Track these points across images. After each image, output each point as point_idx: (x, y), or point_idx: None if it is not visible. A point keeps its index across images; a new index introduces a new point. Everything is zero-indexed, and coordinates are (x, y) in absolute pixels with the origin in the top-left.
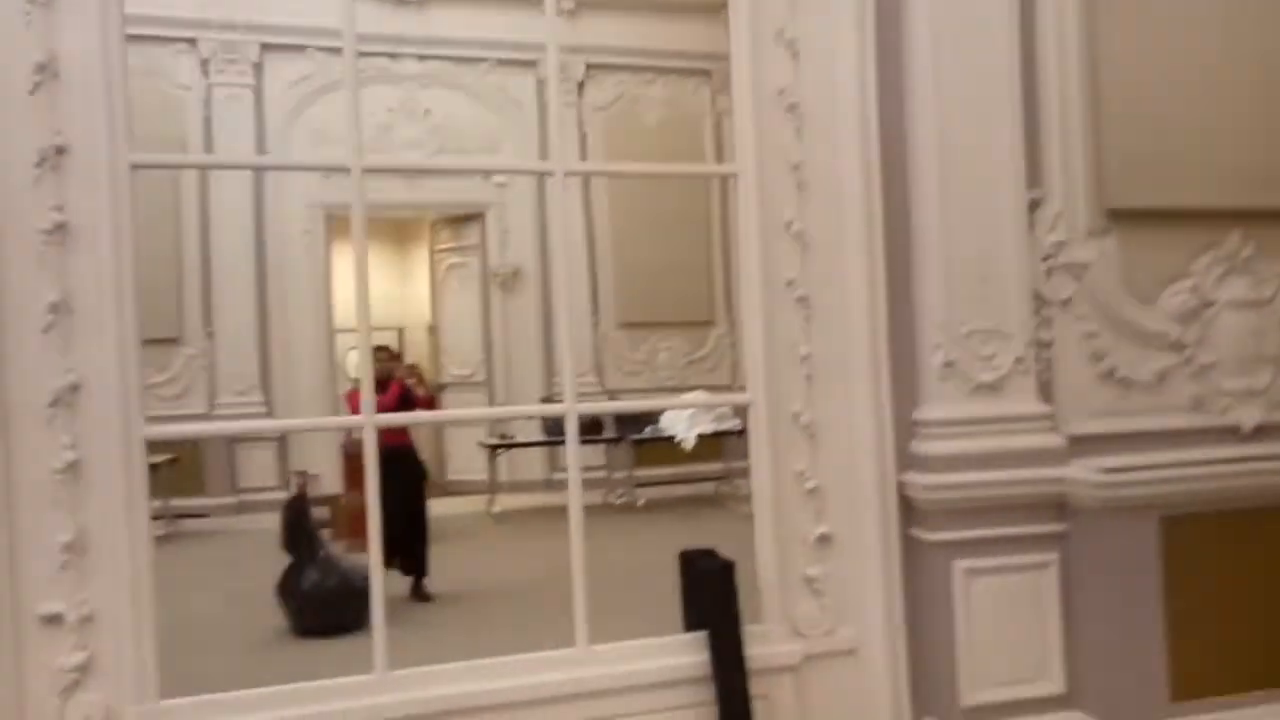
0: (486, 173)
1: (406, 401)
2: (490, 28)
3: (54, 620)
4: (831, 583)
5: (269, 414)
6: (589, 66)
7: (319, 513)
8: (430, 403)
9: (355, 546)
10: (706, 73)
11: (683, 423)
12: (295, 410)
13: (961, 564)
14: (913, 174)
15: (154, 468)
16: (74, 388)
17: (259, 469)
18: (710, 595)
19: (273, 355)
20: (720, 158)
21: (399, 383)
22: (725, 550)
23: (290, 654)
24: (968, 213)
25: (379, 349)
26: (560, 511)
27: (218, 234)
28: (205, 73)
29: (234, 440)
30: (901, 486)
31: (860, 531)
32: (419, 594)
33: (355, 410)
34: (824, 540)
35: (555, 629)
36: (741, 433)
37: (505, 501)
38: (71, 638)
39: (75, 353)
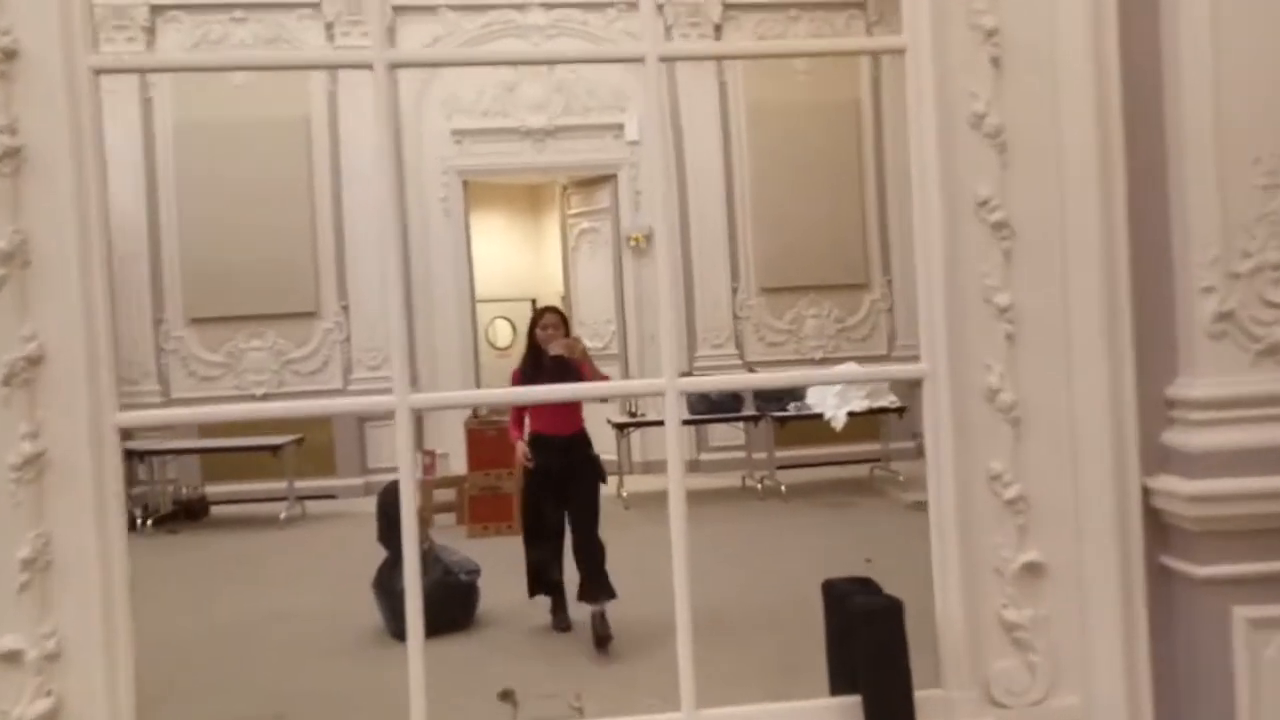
0: (552, 63)
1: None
2: None
3: (11, 659)
4: (1043, 632)
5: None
6: (726, 6)
7: (445, 495)
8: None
9: (479, 531)
10: (860, 4)
11: (832, 399)
12: (436, 384)
13: (1244, 611)
14: (1168, 31)
15: (277, 448)
16: (34, 360)
17: (390, 448)
18: (868, 646)
19: (417, 326)
20: (877, 99)
21: (582, 364)
22: (887, 560)
23: (384, 658)
24: (1259, 87)
25: (547, 310)
26: (701, 497)
27: (351, 204)
28: (330, 38)
29: (363, 418)
30: (1149, 495)
31: (1086, 559)
32: (600, 633)
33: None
34: (1032, 571)
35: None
36: (903, 410)
37: (636, 484)
38: (33, 680)
39: (34, 316)
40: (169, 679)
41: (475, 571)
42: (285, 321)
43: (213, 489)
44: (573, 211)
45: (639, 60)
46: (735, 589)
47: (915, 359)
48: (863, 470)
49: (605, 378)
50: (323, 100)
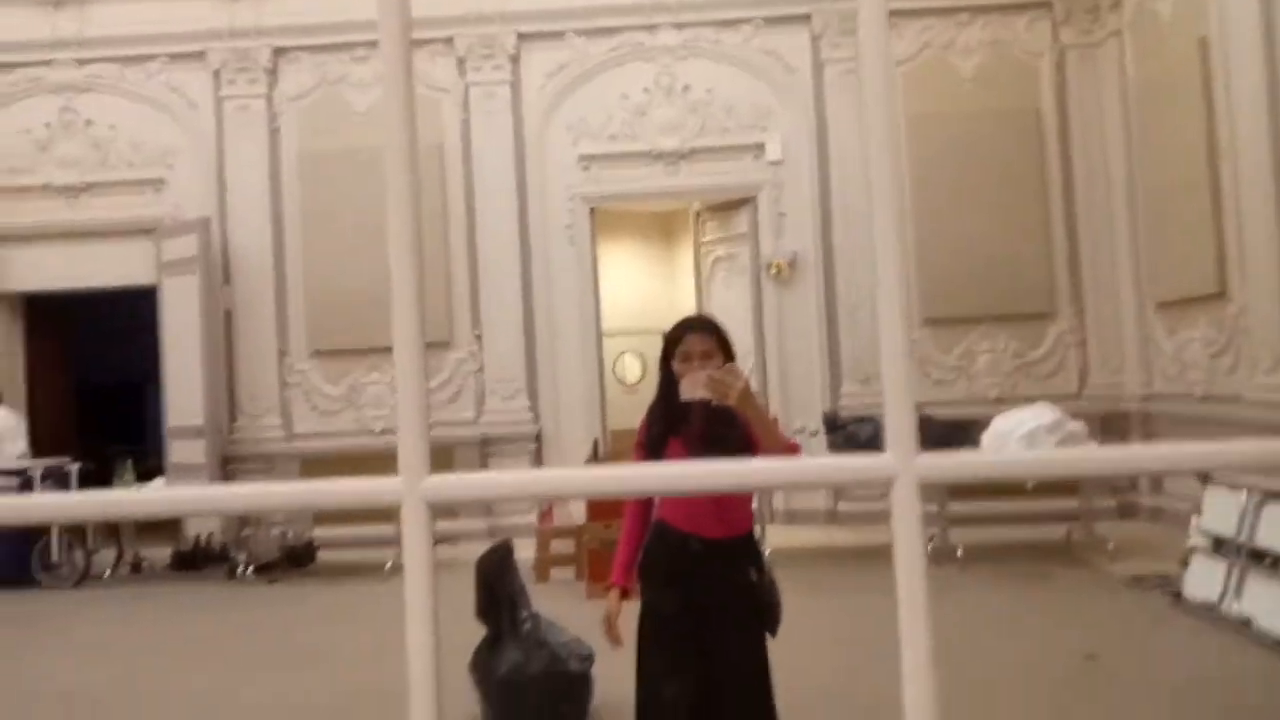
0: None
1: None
2: None
3: None
4: None
5: (535, 420)
6: (890, 14)
7: (562, 545)
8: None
9: (599, 592)
10: (1045, 3)
11: (1018, 442)
12: (561, 416)
13: None
14: None
15: None
16: None
17: None
18: None
19: (538, 359)
20: (1062, 105)
21: (744, 414)
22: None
23: None
24: None
25: (690, 327)
26: (845, 556)
27: (485, 232)
28: (461, 72)
29: (486, 446)
30: None
31: None
32: None
33: (641, 447)
34: None
35: None
36: None
37: (774, 537)
38: None
39: None
40: None
41: (589, 658)
42: None
43: (323, 533)
44: (707, 238)
45: None
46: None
47: (1112, 398)
48: (1056, 531)
49: (781, 439)
50: (455, 128)
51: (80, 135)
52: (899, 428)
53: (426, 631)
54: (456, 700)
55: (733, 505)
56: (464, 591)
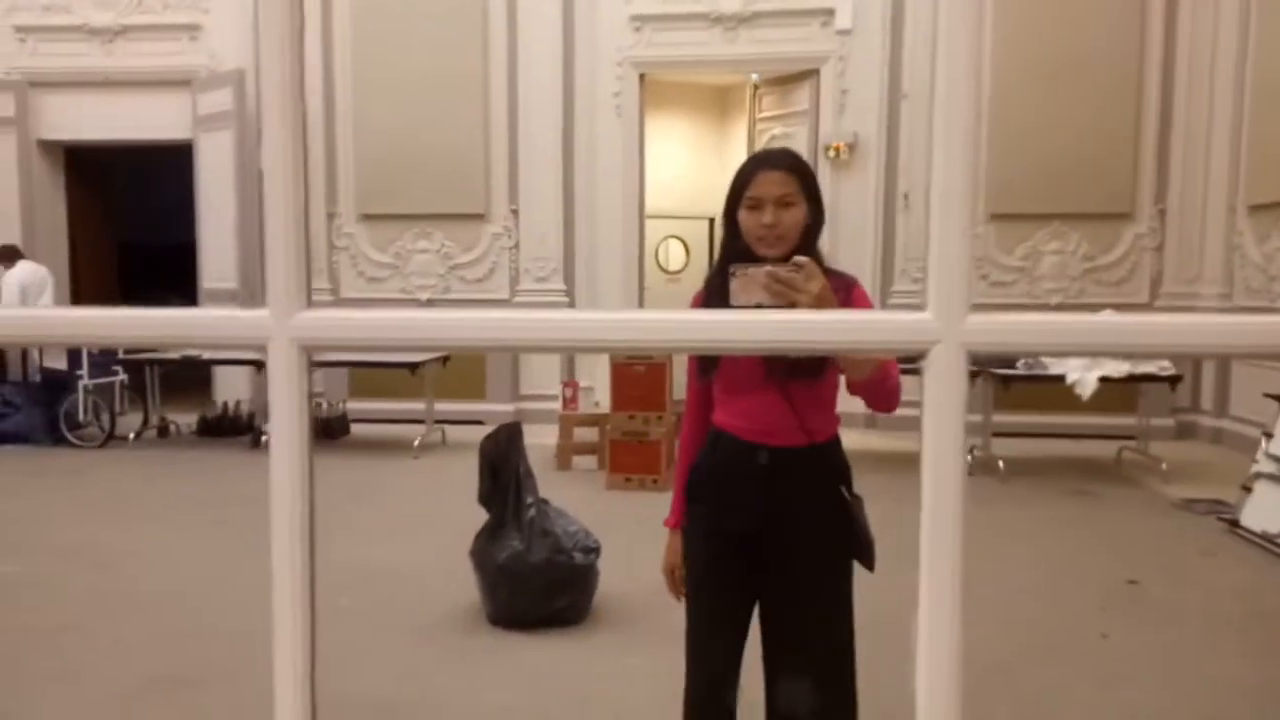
0: None
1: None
2: None
3: None
4: None
5: (570, 304)
6: None
7: (586, 434)
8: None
9: (619, 484)
10: None
11: (1079, 359)
12: (599, 301)
13: None
14: None
15: (415, 367)
16: None
17: (544, 372)
18: None
19: (577, 239)
20: None
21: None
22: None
23: (472, 650)
24: None
25: (767, 163)
26: (878, 463)
27: (527, 99)
28: None
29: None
30: None
31: None
32: None
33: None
34: None
35: None
36: (1177, 380)
37: None
38: None
39: None
40: (204, 657)
41: (594, 550)
42: (454, 223)
43: (357, 405)
44: (764, 114)
45: None
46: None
47: (1185, 309)
48: (1108, 449)
49: (872, 360)
50: None
51: None
52: (947, 279)
53: (296, 497)
54: (459, 587)
55: (812, 403)
56: (474, 478)
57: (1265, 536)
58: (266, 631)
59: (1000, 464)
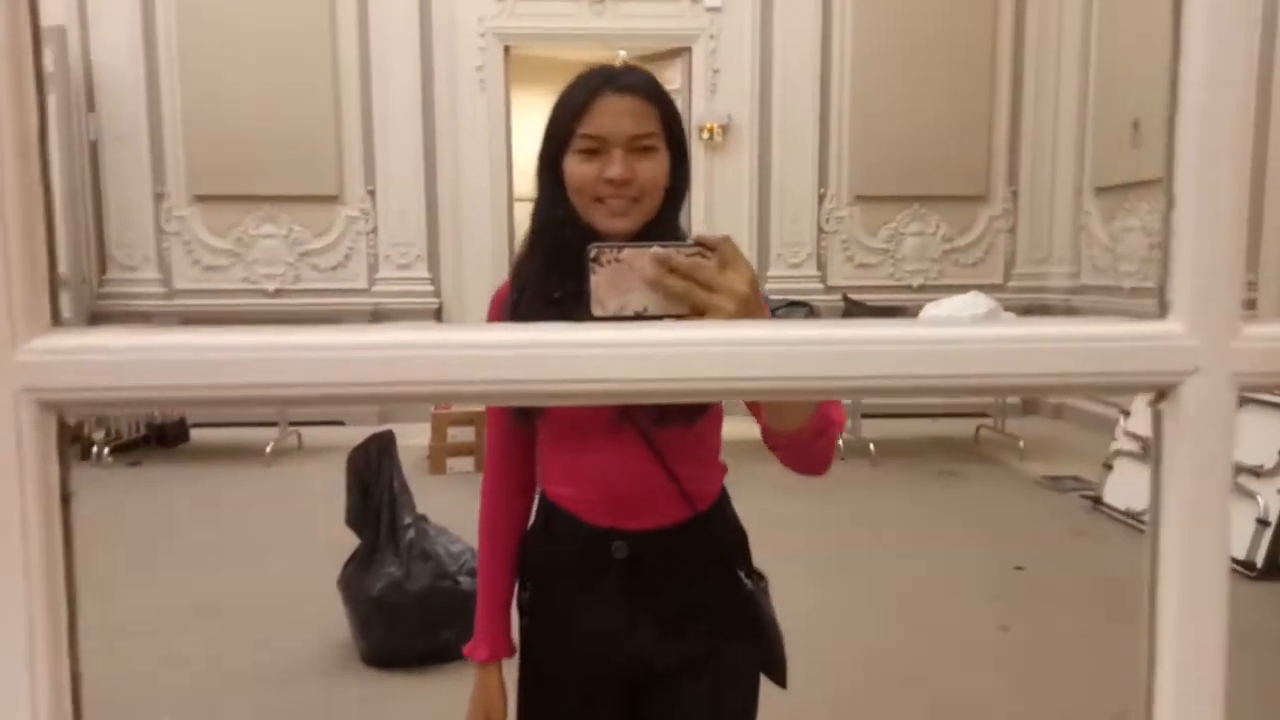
0: None
1: None
2: None
3: None
4: None
5: (435, 294)
6: None
7: (461, 434)
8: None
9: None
10: None
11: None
12: (464, 291)
13: None
14: None
15: None
16: None
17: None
18: None
19: (441, 222)
20: None
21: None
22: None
23: (344, 694)
24: None
25: (612, 76)
26: (741, 451)
27: (380, 69)
28: None
29: (378, 320)
30: None
31: None
32: None
33: (493, 318)
34: None
35: None
36: None
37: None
38: None
39: None
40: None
41: None
42: (303, 205)
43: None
44: None
45: None
46: (828, 598)
47: (1036, 290)
48: (966, 427)
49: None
50: None
51: None
52: (1213, 281)
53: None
54: (326, 622)
55: (688, 453)
56: (338, 489)
57: (1130, 514)
58: None
59: (871, 447)
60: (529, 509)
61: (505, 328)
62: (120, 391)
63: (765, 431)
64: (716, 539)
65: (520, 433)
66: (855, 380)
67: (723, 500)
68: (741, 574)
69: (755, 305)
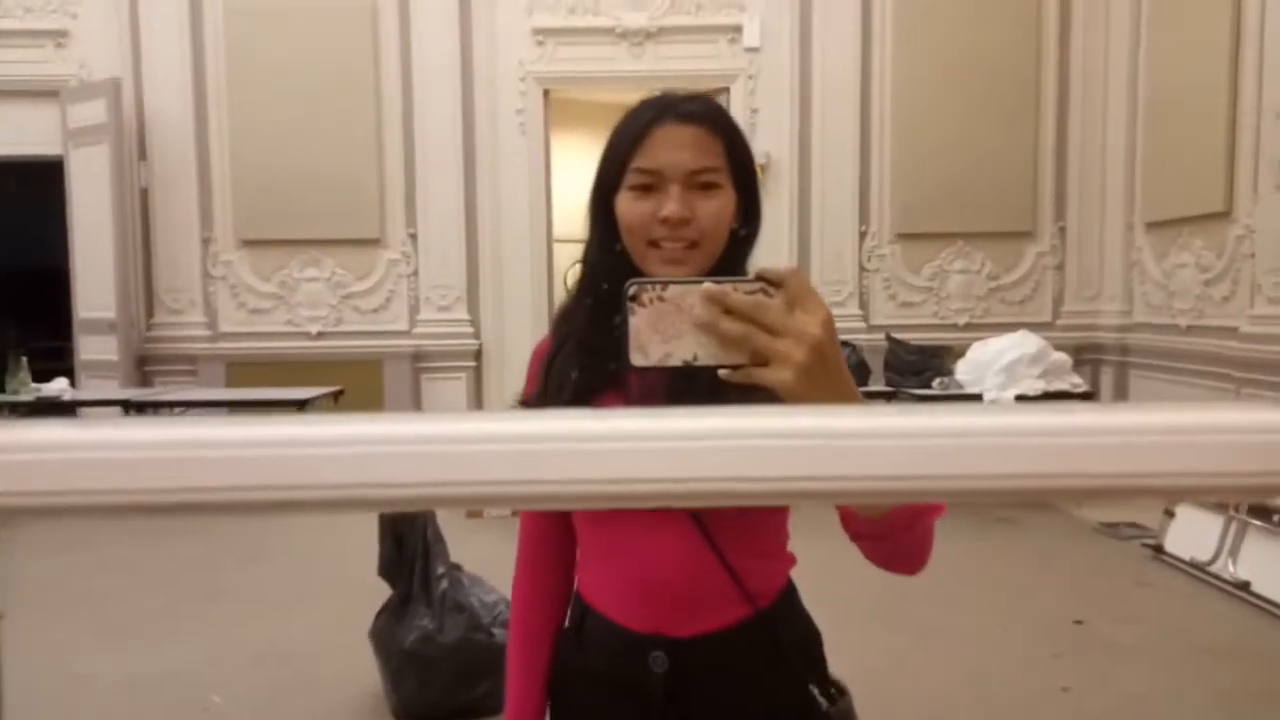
0: None
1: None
2: None
3: None
4: None
5: (475, 335)
6: None
7: None
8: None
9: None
10: None
11: (995, 376)
12: (504, 333)
13: None
14: None
15: (303, 404)
16: None
17: (455, 404)
18: None
19: (481, 265)
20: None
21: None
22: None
23: None
24: None
25: (672, 106)
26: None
27: (423, 113)
28: None
29: (420, 361)
30: None
31: None
32: None
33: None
34: None
35: None
36: (1089, 396)
37: None
38: None
39: None
40: None
41: None
42: (346, 249)
43: None
44: None
45: None
46: (878, 649)
47: (1086, 328)
48: None
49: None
50: None
51: None
52: None
53: None
54: (357, 674)
55: (749, 539)
56: (371, 532)
57: (1195, 564)
58: None
59: None
60: (559, 609)
61: (497, 417)
62: (52, 499)
63: (849, 525)
64: (781, 644)
65: (554, 517)
66: (956, 480)
67: (790, 594)
68: (814, 689)
69: (831, 355)
